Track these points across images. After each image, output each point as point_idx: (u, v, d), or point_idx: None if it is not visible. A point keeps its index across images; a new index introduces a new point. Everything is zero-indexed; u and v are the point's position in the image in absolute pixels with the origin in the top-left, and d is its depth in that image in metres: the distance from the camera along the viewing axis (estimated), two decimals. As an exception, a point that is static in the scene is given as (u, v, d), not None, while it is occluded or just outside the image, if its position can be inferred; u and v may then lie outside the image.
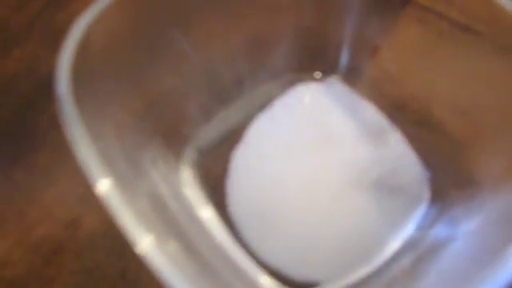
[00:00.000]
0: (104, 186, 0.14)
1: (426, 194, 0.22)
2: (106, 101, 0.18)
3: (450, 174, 0.21)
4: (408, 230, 0.21)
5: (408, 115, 0.24)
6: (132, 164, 0.17)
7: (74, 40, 0.16)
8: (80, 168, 0.22)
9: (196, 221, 0.21)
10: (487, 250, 0.15)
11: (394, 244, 0.20)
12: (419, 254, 0.19)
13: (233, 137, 0.24)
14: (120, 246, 0.23)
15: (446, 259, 0.17)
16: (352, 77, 0.25)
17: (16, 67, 0.29)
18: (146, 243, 0.13)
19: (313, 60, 0.25)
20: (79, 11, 0.29)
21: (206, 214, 0.21)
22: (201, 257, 0.18)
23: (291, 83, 0.25)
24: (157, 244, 0.14)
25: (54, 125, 0.24)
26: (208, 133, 0.24)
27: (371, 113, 0.24)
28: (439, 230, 0.19)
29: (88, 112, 0.16)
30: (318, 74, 0.25)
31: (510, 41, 0.19)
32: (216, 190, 0.23)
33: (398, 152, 0.23)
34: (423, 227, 0.20)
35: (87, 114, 0.16)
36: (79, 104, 0.15)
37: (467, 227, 0.18)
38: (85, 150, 0.14)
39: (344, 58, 0.24)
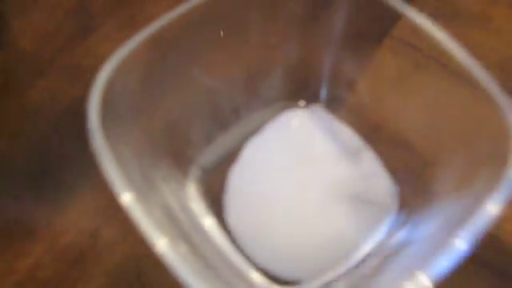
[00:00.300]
0: (126, 197, 0.17)
1: (395, 205, 0.25)
2: (126, 129, 0.21)
3: (414, 187, 0.25)
4: (378, 235, 0.24)
5: (381, 137, 0.27)
6: (147, 180, 0.21)
7: (101, 80, 0.19)
8: (100, 184, 0.25)
9: (200, 228, 0.24)
10: (436, 246, 0.18)
11: (366, 247, 0.23)
12: (386, 254, 0.22)
13: (231, 157, 0.27)
14: (135, 252, 0.26)
15: (406, 257, 0.20)
16: (332, 104, 0.28)
17: (41, 96, 0.31)
18: (161, 245, 0.17)
19: (299, 90, 0.28)
20: (94, 47, 0.33)
21: (208, 223, 0.24)
22: (204, 258, 0.21)
23: (281, 110, 0.28)
24: (170, 246, 0.17)
25: (78, 147, 0.28)
26: (209, 154, 0.27)
27: (349, 135, 0.27)
28: (403, 234, 0.23)
29: (112, 139, 0.19)
30: (302, 103, 0.28)
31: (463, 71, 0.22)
32: (216, 202, 0.26)
33: (371, 169, 0.26)
34: (391, 232, 0.23)
35: (112, 140, 0.19)
36: (106, 133, 0.19)
37: (424, 231, 0.21)
38: (111, 169, 0.18)
39: (325, 89, 0.28)
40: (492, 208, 0.17)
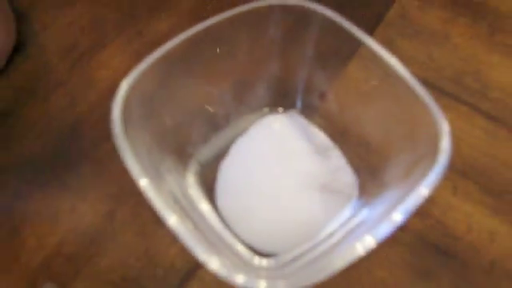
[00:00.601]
0: (143, 182, 0.22)
1: (355, 193, 0.29)
2: (139, 130, 0.25)
3: (371, 178, 0.29)
4: (342, 217, 0.28)
5: (346, 139, 0.31)
6: (156, 171, 0.25)
7: (122, 91, 0.24)
8: (113, 175, 0.30)
9: (197, 211, 0.28)
10: (382, 220, 0.23)
11: (332, 226, 0.28)
12: (348, 230, 0.26)
13: (222, 154, 0.31)
14: (144, 231, 0.30)
15: (361, 231, 0.25)
16: (306, 111, 0.32)
17: (61, 101, 0.34)
18: (172, 220, 0.21)
19: (279, 99, 0.32)
20: (107, 59, 0.37)
21: (204, 207, 0.29)
22: (203, 233, 0.26)
23: (264, 115, 0.32)
24: (179, 221, 0.21)
25: (93, 144, 0.33)
26: (205, 151, 0.30)
27: (320, 137, 0.31)
28: (361, 216, 0.27)
29: (130, 137, 0.24)
30: (282, 109, 0.32)
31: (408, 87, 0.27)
32: (210, 190, 0.30)
33: (337, 164, 0.30)
34: (352, 215, 0.28)
35: (129, 139, 0.24)
36: (125, 133, 0.23)
37: (376, 211, 0.26)
38: (130, 161, 0.22)
39: (300, 98, 0.31)
40: (423, 190, 0.22)
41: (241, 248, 0.27)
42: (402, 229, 0.30)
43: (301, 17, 0.28)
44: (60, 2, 0.40)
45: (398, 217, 0.22)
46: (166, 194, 0.24)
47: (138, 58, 0.36)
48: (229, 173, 0.30)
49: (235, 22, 0.27)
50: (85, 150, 0.33)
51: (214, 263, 0.20)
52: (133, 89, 0.25)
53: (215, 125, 0.31)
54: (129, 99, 0.24)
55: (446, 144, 0.23)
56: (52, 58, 0.37)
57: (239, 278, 0.20)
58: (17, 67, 0.37)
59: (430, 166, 0.23)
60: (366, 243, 0.21)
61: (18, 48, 0.37)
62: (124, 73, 0.35)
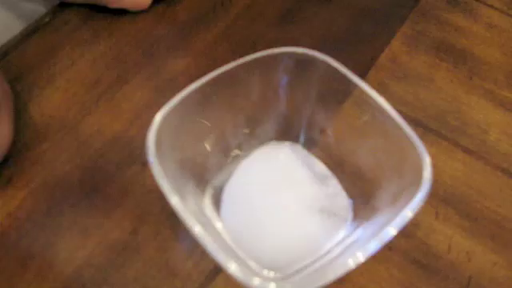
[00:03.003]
0: (174, 200, 0.26)
1: (350, 215, 0.33)
2: (166, 159, 0.28)
3: (364, 204, 0.32)
4: (339, 236, 0.32)
5: (342, 169, 0.34)
6: (180, 193, 0.28)
7: (155, 126, 0.28)
8: (136, 196, 0.34)
9: (213, 229, 0.32)
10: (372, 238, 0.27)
11: (330, 244, 0.31)
12: (343, 248, 0.30)
13: None
14: (164, 246, 0.34)
15: (355, 248, 0.28)
16: (308, 144, 0.35)
17: (90, 129, 0.38)
18: (197, 229, 0.25)
19: (284, 133, 0.36)
20: (129, 93, 0.41)
21: (218, 225, 0.32)
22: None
23: (271, 147, 0.36)
24: (203, 231, 0.25)
25: (118, 169, 0.37)
26: (220, 178, 0.34)
27: (319, 166, 0.34)
28: (355, 235, 0.31)
29: (160, 164, 0.28)
30: (287, 142, 0.36)
31: (395, 124, 0.31)
32: None
33: (334, 190, 0.34)
34: (347, 234, 0.32)
35: (160, 167, 0.28)
36: (158, 160, 0.28)
37: (367, 231, 0.30)
38: (163, 182, 0.26)
39: (303, 133, 0.35)
40: (408, 213, 0.26)
41: (250, 262, 0.31)
42: (391, 248, 0.34)
43: (305, 63, 0.33)
44: (86, 41, 0.44)
45: (385, 236, 0.26)
46: (189, 211, 0.27)
47: (157, 92, 0.41)
48: (234, 194, 0.33)
49: (249, 66, 0.32)
50: (110, 173, 0.36)
51: (232, 267, 0.24)
52: (163, 122, 0.29)
53: (229, 155, 0.35)
54: (160, 131, 0.28)
55: (427, 174, 0.27)
56: (80, 90, 0.41)
57: (255, 281, 0.24)
58: (48, 96, 0.40)
59: (414, 193, 0.27)
60: (357, 258, 0.25)
61: (49, 78, 0.41)
62: (144, 106, 0.40)
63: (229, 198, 0.33)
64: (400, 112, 0.30)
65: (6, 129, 0.35)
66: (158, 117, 0.29)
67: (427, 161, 0.28)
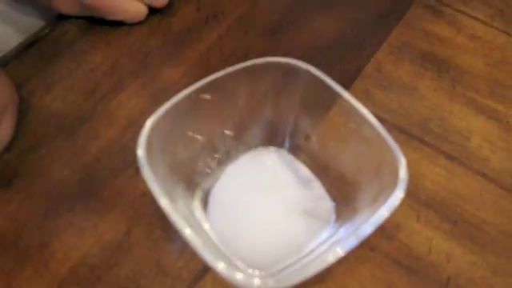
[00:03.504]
0: (163, 202, 0.27)
1: (333, 217, 0.34)
2: (156, 163, 0.30)
3: (345, 206, 0.34)
4: (322, 237, 0.33)
5: (326, 173, 0.36)
6: (171, 196, 0.29)
7: (145, 130, 0.29)
8: (130, 200, 0.35)
9: (202, 231, 0.33)
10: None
11: (313, 244, 0.33)
12: (326, 248, 0.31)
13: None
14: (155, 246, 0.36)
15: (338, 247, 0.30)
16: (293, 150, 0.37)
17: (86, 136, 0.40)
18: (187, 232, 0.26)
19: (270, 139, 0.37)
20: (124, 101, 0.42)
21: (206, 226, 0.34)
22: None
23: (258, 152, 0.37)
24: (192, 233, 0.27)
25: (113, 174, 0.38)
26: (208, 181, 0.36)
27: (304, 171, 0.36)
28: (337, 235, 0.32)
29: (151, 167, 0.29)
30: (273, 148, 0.37)
31: (374, 130, 0.32)
32: None
33: (318, 193, 0.35)
34: (330, 235, 0.33)
35: (151, 169, 0.29)
36: (148, 163, 0.29)
37: (348, 230, 0.31)
38: (152, 184, 0.28)
39: (288, 139, 0.36)
40: (384, 212, 0.28)
41: (237, 261, 0.32)
42: (373, 249, 0.36)
43: (290, 72, 0.34)
44: (83, 51, 0.46)
45: (362, 233, 0.27)
46: (179, 213, 0.29)
47: (151, 100, 0.42)
48: (220, 196, 0.35)
49: (236, 75, 0.33)
50: (105, 177, 0.38)
51: (219, 266, 0.26)
52: (154, 128, 0.30)
53: (217, 159, 0.37)
54: (150, 136, 0.30)
55: (403, 174, 0.29)
56: (77, 98, 0.42)
57: (239, 276, 0.25)
58: (46, 104, 0.42)
59: (389, 194, 0.29)
60: (336, 253, 0.27)
61: (48, 87, 0.43)
62: (139, 113, 0.42)
63: (216, 201, 0.35)
64: (384, 119, 0.32)
65: (8, 128, 0.38)
66: (149, 122, 0.30)
67: (403, 162, 0.29)
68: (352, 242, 0.27)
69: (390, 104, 0.44)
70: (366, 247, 0.35)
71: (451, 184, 0.39)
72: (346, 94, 0.32)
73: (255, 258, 0.33)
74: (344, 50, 0.47)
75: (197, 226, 0.32)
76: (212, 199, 0.35)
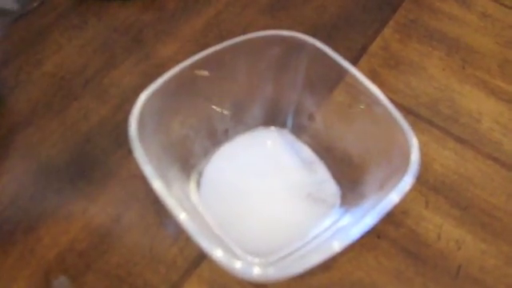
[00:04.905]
0: (156, 184, 0.25)
1: (338, 202, 0.32)
2: (150, 142, 0.28)
3: (351, 190, 0.32)
4: (326, 222, 0.31)
5: (330, 154, 0.34)
6: (165, 178, 0.28)
7: (137, 108, 0.27)
8: (122, 182, 0.33)
9: (197, 213, 0.31)
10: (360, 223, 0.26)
11: (317, 230, 0.31)
12: (330, 234, 0.30)
13: None
14: (148, 231, 0.34)
15: (343, 235, 0.28)
16: (296, 130, 0.35)
17: (76, 114, 0.38)
18: (182, 216, 0.24)
19: (272, 119, 0.36)
20: (117, 78, 0.40)
21: (203, 210, 0.32)
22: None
23: (258, 133, 0.35)
24: (188, 218, 0.24)
25: (104, 154, 0.36)
26: (205, 163, 0.34)
27: (307, 152, 0.34)
28: (342, 221, 0.30)
29: (143, 147, 0.27)
30: (274, 128, 0.35)
31: (384, 109, 0.30)
32: None
33: (322, 176, 0.33)
34: (335, 221, 0.31)
35: (143, 148, 0.27)
36: (140, 142, 0.27)
37: (354, 216, 0.29)
38: (145, 166, 0.25)
39: (290, 119, 0.35)
40: (394, 197, 0.26)
41: (235, 248, 0.31)
42: (379, 236, 0.34)
43: (293, 46, 0.32)
44: (74, 26, 0.43)
45: (371, 219, 0.25)
46: (174, 197, 0.27)
47: (145, 78, 0.40)
48: (212, 177, 0.33)
49: (236, 49, 0.31)
50: (96, 158, 0.36)
51: (217, 253, 0.24)
52: (146, 104, 0.28)
53: (215, 140, 0.35)
54: (143, 112, 0.28)
55: (415, 157, 0.27)
56: (67, 75, 0.41)
57: (237, 264, 0.23)
58: (34, 81, 0.40)
59: (401, 178, 0.27)
60: (341, 242, 0.25)
61: (36, 63, 0.41)
62: (132, 91, 0.40)
63: (207, 182, 0.33)
64: (391, 100, 0.30)
65: None
66: (142, 97, 0.28)
67: (415, 144, 0.27)
68: (359, 230, 0.25)
69: (398, 84, 0.41)
70: (372, 234, 0.33)
71: (461, 168, 0.37)
72: (354, 71, 0.30)
73: (254, 244, 0.31)
74: (349, 28, 0.44)
75: (192, 211, 0.30)
76: (204, 180, 0.33)
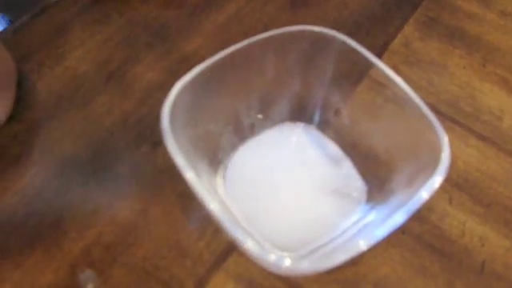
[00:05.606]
0: (189, 175, 0.25)
1: (364, 198, 0.32)
2: (179, 136, 0.28)
3: (378, 186, 0.32)
4: (352, 218, 0.31)
5: (357, 151, 0.34)
6: (196, 170, 0.28)
7: (170, 99, 0.27)
8: (147, 176, 0.33)
9: (225, 206, 0.32)
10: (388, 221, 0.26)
11: (343, 226, 0.31)
12: (357, 231, 0.30)
13: None
14: (174, 226, 0.33)
15: (368, 230, 0.28)
16: (322, 126, 0.35)
17: (100, 108, 0.38)
18: (214, 206, 0.24)
19: (298, 115, 0.35)
20: (140, 73, 0.40)
21: (230, 204, 0.32)
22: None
23: (285, 128, 0.36)
24: (220, 207, 0.25)
25: (128, 148, 0.36)
26: (231, 157, 0.34)
27: (333, 148, 0.34)
28: (369, 217, 0.30)
29: (174, 139, 0.27)
30: (301, 124, 0.35)
31: (412, 104, 0.30)
32: None
33: (348, 172, 0.33)
34: (361, 217, 0.31)
35: (174, 141, 0.27)
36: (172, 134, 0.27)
37: (381, 214, 0.29)
38: (178, 158, 0.25)
39: (317, 115, 0.35)
40: (424, 194, 0.26)
41: (263, 241, 0.31)
42: (404, 232, 0.34)
43: (321, 43, 0.32)
44: (96, 21, 0.44)
45: (400, 217, 0.25)
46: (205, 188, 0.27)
47: (168, 73, 0.40)
48: (237, 171, 0.33)
49: (264, 45, 0.31)
50: (120, 152, 0.36)
51: (249, 243, 0.24)
52: (177, 97, 0.28)
53: (241, 135, 0.35)
54: (174, 106, 0.28)
55: (446, 155, 0.27)
56: (90, 70, 0.40)
57: (271, 257, 0.23)
58: (57, 75, 0.40)
59: (430, 175, 0.27)
60: (369, 240, 0.24)
61: (58, 57, 0.41)
62: (155, 86, 0.40)
63: (234, 177, 0.33)
64: (415, 95, 0.30)
65: (4, 106, 0.36)
66: (175, 89, 0.28)
67: (445, 141, 0.27)
68: (387, 229, 0.25)
69: (419, 81, 0.41)
70: (397, 230, 0.33)
71: (483, 165, 0.37)
72: (383, 67, 0.30)
73: (280, 238, 0.31)
74: (370, 25, 0.45)
75: (221, 204, 0.29)
76: (230, 175, 0.33)
